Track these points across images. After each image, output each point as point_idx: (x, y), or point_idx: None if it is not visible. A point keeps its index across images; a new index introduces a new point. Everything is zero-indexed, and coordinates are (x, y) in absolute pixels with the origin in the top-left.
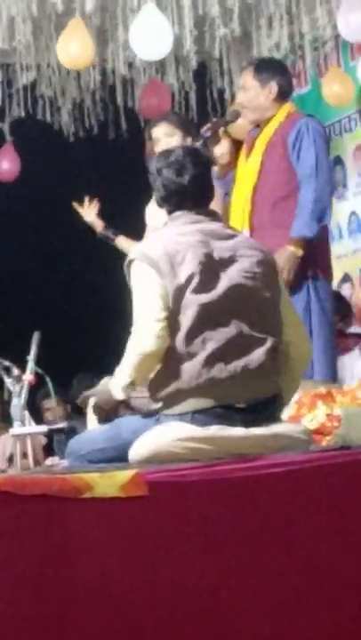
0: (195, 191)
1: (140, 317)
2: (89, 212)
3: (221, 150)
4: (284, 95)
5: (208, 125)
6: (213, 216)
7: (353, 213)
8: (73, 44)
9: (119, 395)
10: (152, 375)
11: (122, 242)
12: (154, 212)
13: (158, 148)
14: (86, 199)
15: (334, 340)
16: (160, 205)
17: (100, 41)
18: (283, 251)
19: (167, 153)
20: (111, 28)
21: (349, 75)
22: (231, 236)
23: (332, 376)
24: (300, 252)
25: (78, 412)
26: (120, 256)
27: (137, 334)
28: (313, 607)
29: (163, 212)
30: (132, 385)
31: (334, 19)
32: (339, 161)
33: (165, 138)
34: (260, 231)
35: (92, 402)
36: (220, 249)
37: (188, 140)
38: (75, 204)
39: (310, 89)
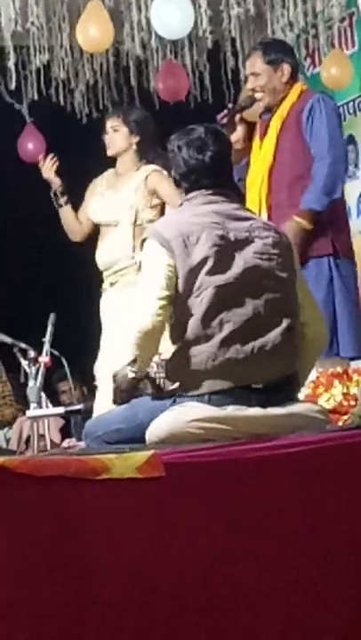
0: (214, 169)
1: (142, 295)
2: (47, 168)
3: (237, 136)
4: (294, 75)
5: (224, 112)
6: (229, 197)
7: None
8: (92, 27)
9: (129, 373)
10: (169, 357)
11: (65, 212)
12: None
13: (106, 140)
14: (41, 156)
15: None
16: (177, 183)
17: (113, 22)
18: (288, 222)
19: (188, 131)
20: (125, 9)
21: None
22: (247, 218)
23: (359, 352)
24: (305, 225)
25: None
26: None
27: (137, 312)
28: (330, 587)
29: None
30: (133, 363)
31: None
32: (352, 140)
33: (111, 132)
34: (277, 210)
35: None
36: (236, 230)
37: (133, 139)
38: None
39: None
